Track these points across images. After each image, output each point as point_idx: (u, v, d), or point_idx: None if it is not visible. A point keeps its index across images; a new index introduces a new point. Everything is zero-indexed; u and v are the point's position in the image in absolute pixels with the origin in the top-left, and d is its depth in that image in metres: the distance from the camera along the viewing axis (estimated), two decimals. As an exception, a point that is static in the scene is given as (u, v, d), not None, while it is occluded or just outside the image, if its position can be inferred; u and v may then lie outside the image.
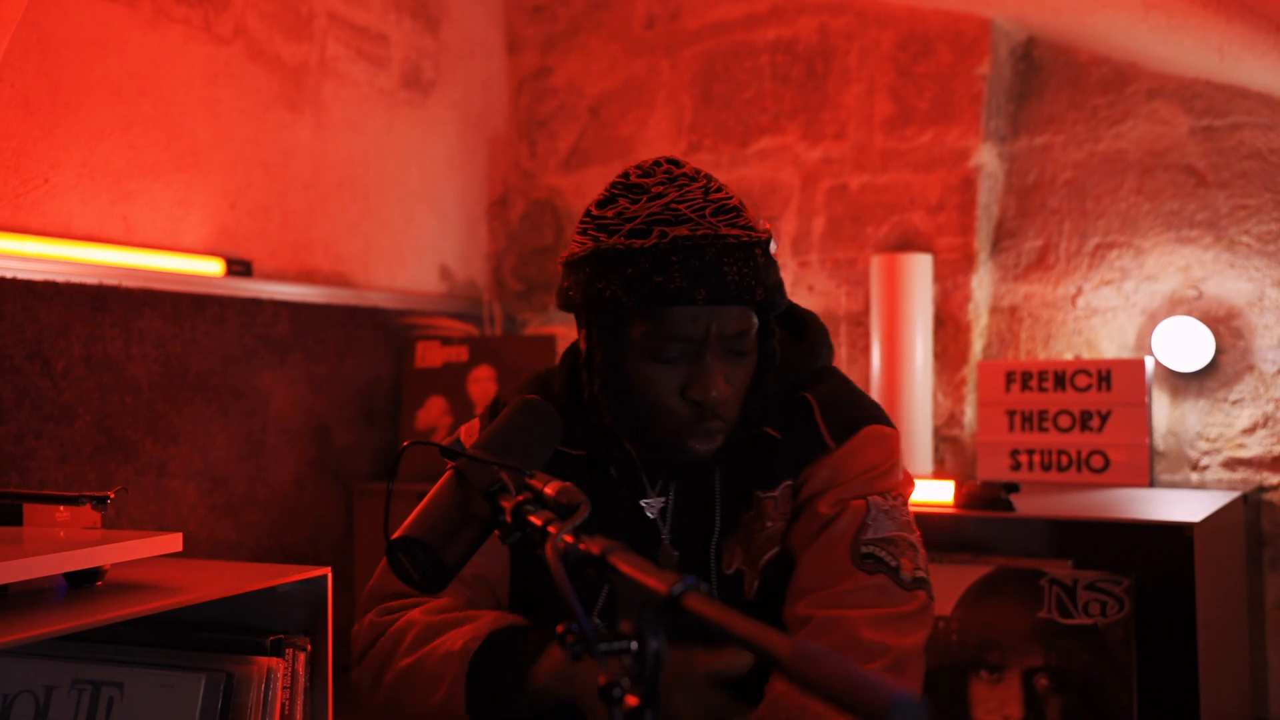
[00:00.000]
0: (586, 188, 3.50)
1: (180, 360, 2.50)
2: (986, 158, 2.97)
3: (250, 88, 2.77)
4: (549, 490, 1.05)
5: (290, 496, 2.76)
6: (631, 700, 0.76)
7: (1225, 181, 2.77)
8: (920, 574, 1.30)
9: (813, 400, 1.37)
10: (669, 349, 1.26)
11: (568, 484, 1.04)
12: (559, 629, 0.82)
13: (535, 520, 1.01)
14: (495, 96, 3.59)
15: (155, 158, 2.53)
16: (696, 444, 1.30)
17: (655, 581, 0.80)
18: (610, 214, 1.29)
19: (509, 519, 1.06)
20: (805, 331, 1.43)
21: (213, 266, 2.60)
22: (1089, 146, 2.93)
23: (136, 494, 2.38)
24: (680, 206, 1.26)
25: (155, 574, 1.56)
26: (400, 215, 3.23)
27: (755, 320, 1.29)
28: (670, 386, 1.27)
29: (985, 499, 2.15)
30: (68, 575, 1.47)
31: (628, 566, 0.84)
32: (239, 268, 2.66)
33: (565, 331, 3.30)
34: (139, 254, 2.44)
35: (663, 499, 1.38)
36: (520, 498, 1.06)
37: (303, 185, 2.91)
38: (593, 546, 0.88)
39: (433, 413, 3.01)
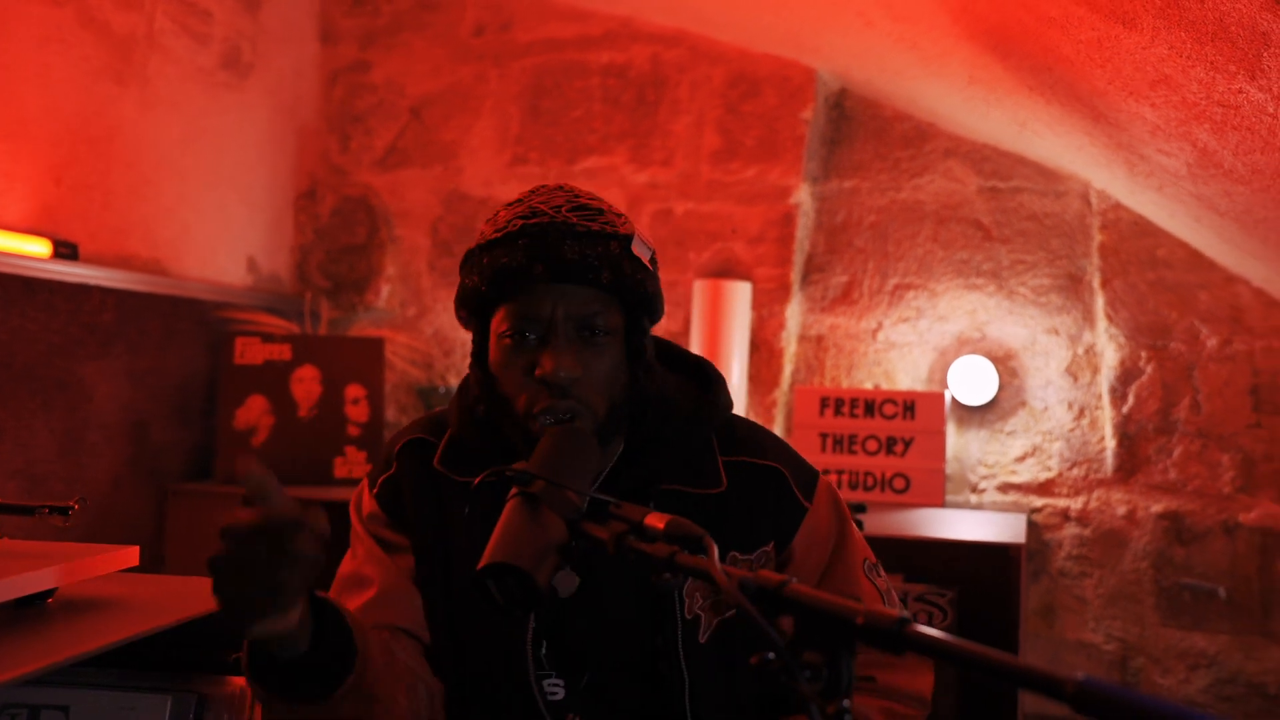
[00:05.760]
0: (405, 188, 3.46)
1: (7, 348, 2.29)
2: (804, 196, 3.20)
3: (80, 55, 2.57)
4: (651, 522, 1.10)
5: (107, 496, 2.58)
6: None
7: (1007, 238, 3.13)
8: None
9: (784, 470, 1.43)
10: (520, 329, 1.29)
11: (670, 515, 1.10)
12: (753, 660, 0.88)
13: (653, 551, 1.06)
14: (306, 87, 3.48)
15: (-17, 124, 2.31)
16: (549, 421, 1.29)
17: (864, 618, 0.87)
18: (488, 224, 1.36)
19: (611, 549, 1.10)
20: (709, 382, 1.47)
21: (39, 248, 2.40)
22: (891, 194, 3.22)
23: (-43, 493, 2.16)
24: (542, 205, 1.32)
25: (102, 588, 1.46)
26: (213, 202, 3.07)
27: (615, 311, 1.31)
28: (522, 366, 1.29)
29: (839, 518, 2.33)
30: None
31: (814, 599, 0.91)
32: (65, 250, 2.46)
33: (394, 335, 3.25)
34: (-34, 229, 2.23)
35: None
36: (618, 528, 1.11)
37: (125, 164, 2.72)
38: (767, 579, 0.95)
39: (253, 412, 2.89)
